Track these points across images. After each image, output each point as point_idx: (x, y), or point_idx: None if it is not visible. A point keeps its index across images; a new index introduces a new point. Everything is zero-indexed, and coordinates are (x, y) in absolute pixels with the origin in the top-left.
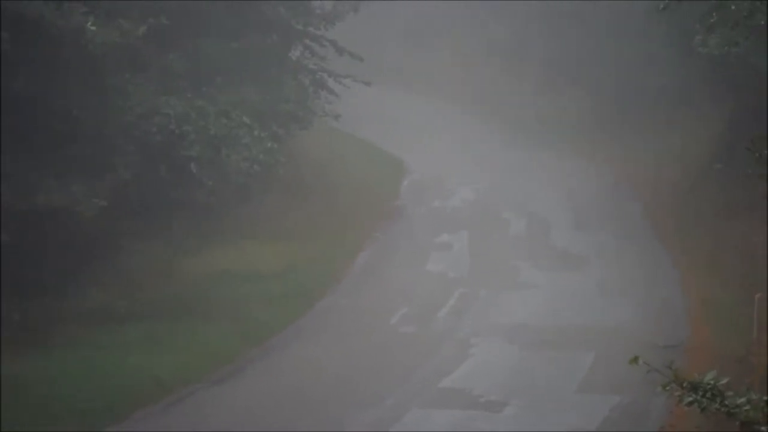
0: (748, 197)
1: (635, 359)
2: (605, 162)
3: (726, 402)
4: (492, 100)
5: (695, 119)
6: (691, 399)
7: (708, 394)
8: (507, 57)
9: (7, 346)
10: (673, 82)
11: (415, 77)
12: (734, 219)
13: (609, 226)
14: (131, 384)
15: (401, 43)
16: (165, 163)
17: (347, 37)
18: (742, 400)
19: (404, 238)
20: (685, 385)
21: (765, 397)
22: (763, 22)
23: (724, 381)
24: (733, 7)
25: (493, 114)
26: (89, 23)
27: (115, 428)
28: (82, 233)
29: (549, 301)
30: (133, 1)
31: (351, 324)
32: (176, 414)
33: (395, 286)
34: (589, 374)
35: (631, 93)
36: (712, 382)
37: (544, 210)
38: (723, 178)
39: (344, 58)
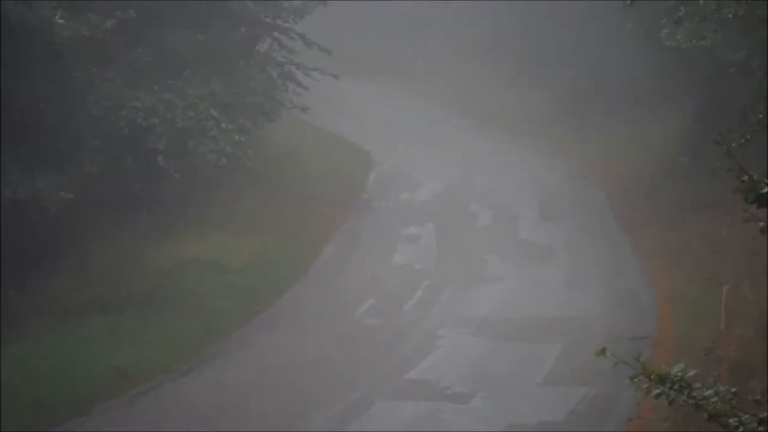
0: (714, 190)
1: (602, 351)
2: (573, 155)
3: (694, 394)
4: (460, 94)
5: (663, 112)
6: (658, 391)
7: (676, 386)
8: (476, 50)
9: None
10: (641, 76)
11: (385, 70)
12: (700, 212)
13: (576, 219)
14: (95, 376)
15: (372, 36)
16: (132, 156)
17: (319, 30)
18: (710, 392)
19: (371, 231)
20: (652, 377)
21: (733, 389)
22: (730, 16)
23: (692, 373)
24: (700, 1)
25: (461, 107)
26: (57, 17)
27: (78, 421)
28: (47, 226)
29: (516, 293)
30: None
31: (317, 316)
32: (141, 406)
33: (362, 278)
34: (556, 366)
35: (600, 86)
36: (679, 374)
37: (511, 203)
38: (689, 171)
39: (313, 51)
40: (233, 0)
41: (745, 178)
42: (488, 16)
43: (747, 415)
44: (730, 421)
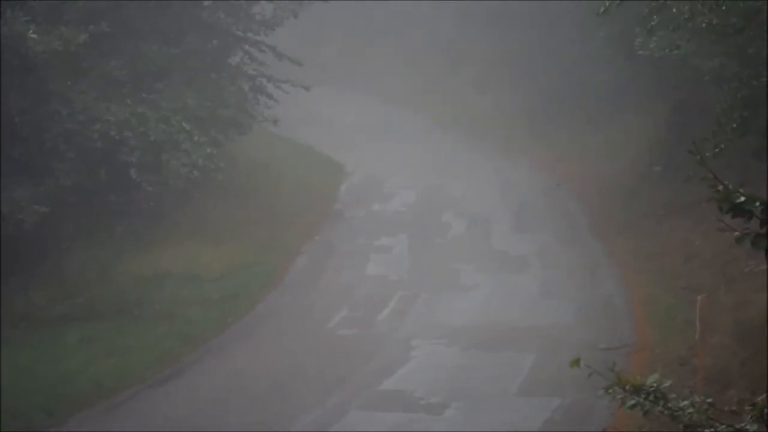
0: (687, 198)
1: (576, 361)
2: (546, 162)
3: (669, 405)
4: (432, 101)
5: (636, 120)
6: (633, 402)
7: (651, 397)
8: (447, 57)
9: None
10: (614, 83)
11: (355, 79)
12: (673, 220)
13: (549, 227)
14: (72, 386)
15: (340, 44)
16: (105, 168)
17: (285, 39)
18: (686, 402)
19: (344, 241)
20: (627, 387)
21: (709, 400)
22: (704, 25)
23: (667, 384)
24: (674, 10)
25: (433, 114)
26: (30, 31)
27: (54, 431)
28: (22, 237)
29: (489, 303)
30: (75, 2)
31: (290, 326)
32: (116, 416)
33: (335, 289)
34: (530, 376)
35: (572, 93)
36: (655, 384)
37: (484, 211)
38: (663, 179)
39: (283, 62)
40: (205, 12)
41: (720, 187)
42: (459, 19)
43: (723, 426)
44: (706, 431)
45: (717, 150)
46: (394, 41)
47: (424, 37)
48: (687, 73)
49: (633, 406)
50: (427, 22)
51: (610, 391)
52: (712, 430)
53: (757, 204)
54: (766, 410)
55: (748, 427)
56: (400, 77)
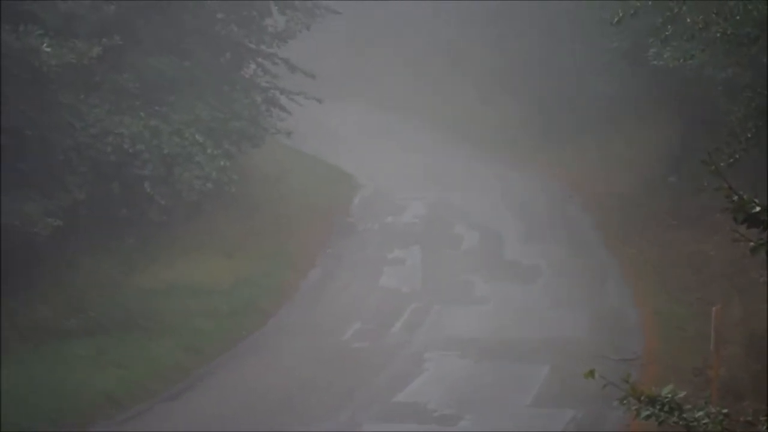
0: (698, 209)
1: (591, 372)
2: (556, 173)
3: (684, 415)
4: (441, 112)
5: (647, 130)
6: (648, 413)
7: (666, 408)
8: (455, 68)
9: None
10: (626, 93)
11: (359, 89)
12: (684, 230)
13: (561, 238)
14: (83, 400)
15: (343, 55)
16: (119, 181)
17: (290, 50)
18: (701, 413)
19: (356, 254)
20: (642, 398)
21: (724, 410)
22: (718, 35)
23: (682, 394)
24: (688, 20)
25: (442, 125)
26: (44, 45)
27: None
28: (33, 250)
29: (502, 314)
30: (88, 18)
31: (303, 340)
32: (128, 430)
33: (348, 302)
34: (544, 387)
35: (583, 103)
36: (669, 395)
37: (495, 223)
38: (673, 190)
39: (296, 75)
40: (218, 25)
41: (735, 198)
42: (463, 29)
43: None
44: None
45: (731, 160)
46: (401, 53)
47: (429, 49)
48: (699, 84)
49: (648, 417)
50: (429, 30)
51: (625, 402)
52: None
53: None
54: None
55: None
56: (403, 86)
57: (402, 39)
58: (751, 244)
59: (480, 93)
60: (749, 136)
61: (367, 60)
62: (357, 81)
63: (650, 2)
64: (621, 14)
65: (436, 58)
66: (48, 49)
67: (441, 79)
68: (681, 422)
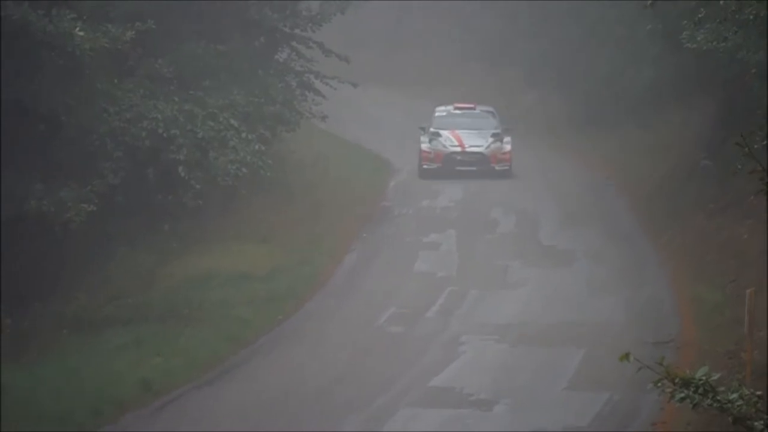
0: (734, 193)
1: (626, 356)
2: (593, 158)
3: (718, 398)
4: (476, 98)
5: (682, 115)
6: (683, 395)
7: (700, 390)
8: (491, 55)
9: None
10: (660, 78)
11: (398, 76)
12: (721, 215)
13: (597, 223)
14: (118, 388)
15: (383, 42)
16: (153, 167)
17: (329, 36)
18: (735, 395)
19: (392, 239)
20: (677, 381)
21: (758, 392)
22: (751, 17)
23: (716, 377)
24: (721, 2)
25: None
26: (78, 29)
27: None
28: (69, 238)
29: (538, 298)
30: (121, 2)
31: (338, 325)
32: (165, 417)
33: (383, 287)
34: (579, 371)
35: (617, 89)
36: (704, 378)
37: (532, 208)
38: (710, 175)
39: (331, 59)
40: (252, 9)
41: None
42: (503, 18)
43: None
44: (756, 424)
45: (765, 143)
46: (438, 42)
47: (468, 37)
48: (734, 67)
49: (682, 399)
50: (472, 22)
51: (660, 384)
52: (762, 422)
53: None
54: None
55: None
56: (440, 72)
57: (440, 26)
58: None
59: (518, 80)
60: None
61: (404, 45)
62: (394, 67)
63: None
64: None
65: (475, 45)
66: (81, 34)
67: (483, 71)
68: (715, 404)
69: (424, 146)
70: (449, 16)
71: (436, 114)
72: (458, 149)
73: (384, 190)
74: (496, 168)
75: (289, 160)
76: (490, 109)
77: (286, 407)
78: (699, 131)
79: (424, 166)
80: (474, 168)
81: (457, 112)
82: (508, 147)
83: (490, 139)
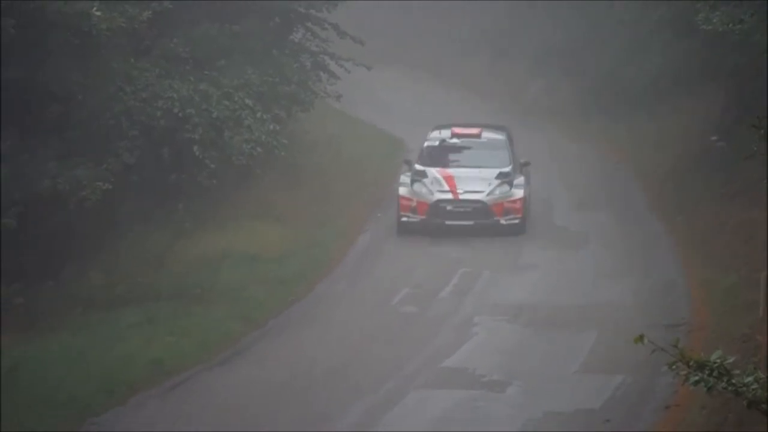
0: (747, 177)
1: (640, 338)
2: (604, 143)
3: (733, 381)
4: (488, 83)
5: (694, 100)
6: (697, 378)
7: (714, 373)
8: (501, 40)
9: (7, 330)
10: (672, 63)
11: (413, 59)
12: (734, 199)
13: (609, 207)
14: (130, 368)
15: (395, 29)
16: (168, 146)
17: (343, 21)
18: (749, 379)
19: None
20: (691, 364)
21: None
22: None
23: (731, 360)
24: None
25: (492, 97)
26: (94, 9)
27: (115, 412)
28: (83, 217)
29: (551, 280)
30: None
31: (351, 305)
32: (177, 397)
33: (396, 267)
34: (592, 353)
35: (629, 74)
36: (718, 361)
37: (544, 190)
38: (722, 158)
39: (345, 42)
40: None
41: None
42: (511, 6)
43: None
44: None
45: None
46: (449, 25)
47: (478, 20)
48: (747, 50)
49: (696, 383)
50: (480, 8)
51: (674, 367)
52: None
53: None
54: None
55: None
56: (452, 57)
57: (453, 12)
58: None
59: (529, 66)
60: None
61: (417, 29)
62: (407, 49)
63: None
64: None
65: (486, 38)
66: (98, 13)
67: (490, 57)
68: (730, 388)
69: (403, 191)
70: (458, 5)
71: (426, 143)
72: (449, 196)
73: (398, 169)
74: (502, 222)
75: (304, 140)
76: (501, 135)
77: (297, 388)
78: (708, 117)
79: (403, 219)
80: (470, 222)
81: (455, 141)
82: (520, 192)
83: (495, 182)
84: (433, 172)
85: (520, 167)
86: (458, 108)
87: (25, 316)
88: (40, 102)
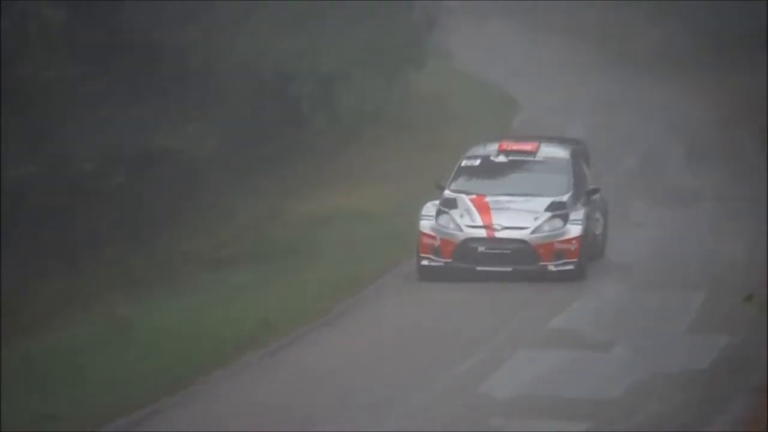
0: None
1: (749, 297)
2: (718, 97)
3: None
4: (602, 35)
5: None
6: None
7: None
8: None
9: (118, 289)
10: None
11: (528, 13)
12: None
13: (722, 164)
14: (237, 328)
15: None
16: (277, 103)
17: None
18: None
19: None
20: None
21: None
22: None
23: None
24: None
25: (603, 48)
26: None
27: (223, 371)
28: (192, 174)
29: (661, 239)
30: None
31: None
32: (284, 356)
33: None
34: (700, 314)
35: (744, 27)
36: None
37: (655, 147)
38: None
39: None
40: None
41: None
42: None
43: None
44: None
45: None
46: None
47: None
48: None
49: None
50: None
51: None
52: None
53: None
54: None
55: None
56: (569, 12)
57: None
58: None
59: (646, 22)
60: None
61: None
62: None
63: None
64: None
65: None
66: None
67: (606, 7)
68: None
69: (425, 225)
70: None
71: (463, 162)
72: (482, 233)
73: (508, 127)
74: (551, 268)
75: (414, 97)
76: (564, 152)
77: (405, 346)
78: None
79: (423, 263)
80: (508, 268)
81: (502, 159)
82: (576, 230)
83: (544, 215)
84: (466, 200)
85: (586, 196)
86: (568, 62)
87: (132, 276)
88: (152, 59)
